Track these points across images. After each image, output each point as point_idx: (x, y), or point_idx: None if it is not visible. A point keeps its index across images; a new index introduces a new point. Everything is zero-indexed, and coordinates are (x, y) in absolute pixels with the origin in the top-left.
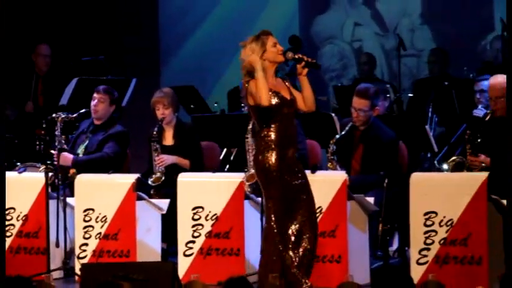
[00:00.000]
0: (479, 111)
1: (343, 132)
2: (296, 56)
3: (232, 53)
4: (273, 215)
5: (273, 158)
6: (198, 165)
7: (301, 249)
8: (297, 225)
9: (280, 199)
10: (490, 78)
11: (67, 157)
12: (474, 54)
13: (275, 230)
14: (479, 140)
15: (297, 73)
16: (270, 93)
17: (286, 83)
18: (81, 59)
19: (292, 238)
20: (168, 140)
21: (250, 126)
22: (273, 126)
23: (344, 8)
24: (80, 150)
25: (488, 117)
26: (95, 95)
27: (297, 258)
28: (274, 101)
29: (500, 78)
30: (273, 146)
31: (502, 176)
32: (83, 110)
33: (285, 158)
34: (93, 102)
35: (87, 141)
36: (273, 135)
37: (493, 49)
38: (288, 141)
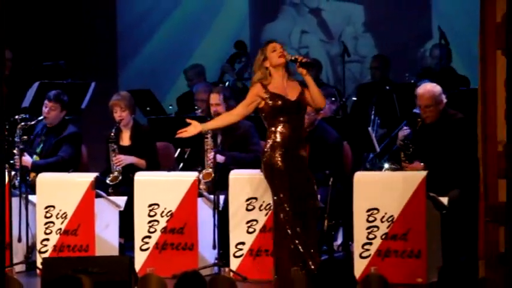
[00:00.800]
0: (417, 110)
1: None
2: (292, 58)
3: (186, 57)
4: (286, 205)
5: (277, 155)
6: (154, 165)
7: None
8: (304, 230)
9: (289, 190)
10: (419, 88)
11: (26, 161)
12: (414, 60)
13: (287, 221)
14: (411, 149)
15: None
16: (267, 95)
17: (300, 85)
18: (42, 63)
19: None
20: (125, 140)
21: None
22: (277, 127)
23: (292, 17)
24: (34, 157)
25: (419, 125)
26: (46, 102)
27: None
28: (274, 103)
29: (428, 87)
30: (278, 146)
31: (439, 176)
32: (41, 117)
33: (293, 158)
34: (45, 109)
35: (41, 144)
36: (278, 136)
37: (433, 56)
38: (296, 141)
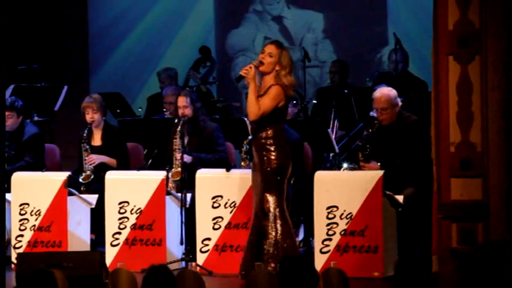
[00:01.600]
0: (373, 113)
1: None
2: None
3: (155, 62)
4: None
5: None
6: (124, 164)
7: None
8: None
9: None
10: (375, 92)
11: None
12: (371, 65)
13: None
14: (369, 150)
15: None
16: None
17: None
18: (17, 67)
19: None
20: (97, 141)
21: (179, 128)
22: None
23: (255, 24)
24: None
25: (375, 127)
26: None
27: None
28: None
29: (384, 91)
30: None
31: (395, 176)
32: None
33: None
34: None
35: (6, 149)
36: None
37: (391, 60)
38: None
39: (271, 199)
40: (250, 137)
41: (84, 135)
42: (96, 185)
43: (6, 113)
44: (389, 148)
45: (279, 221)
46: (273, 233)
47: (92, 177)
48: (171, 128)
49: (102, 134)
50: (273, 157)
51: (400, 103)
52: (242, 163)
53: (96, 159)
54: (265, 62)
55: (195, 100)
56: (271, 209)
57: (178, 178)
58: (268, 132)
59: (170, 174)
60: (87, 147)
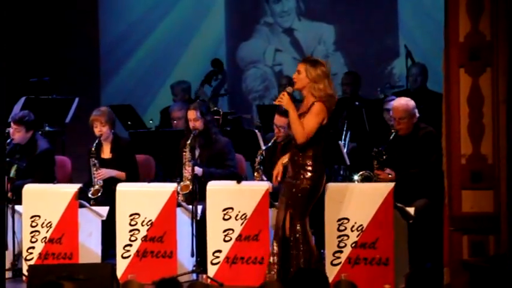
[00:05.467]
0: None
1: (269, 144)
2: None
3: (166, 75)
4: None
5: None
6: (134, 177)
7: None
8: None
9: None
10: (394, 101)
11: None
12: (382, 77)
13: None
14: (384, 157)
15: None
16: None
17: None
18: (28, 79)
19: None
20: (106, 153)
21: (189, 141)
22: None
23: (266, 36)
24: (12, 172)
25: (392, 136)
26: (12, 123)
27: None
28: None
29: (403, 101)
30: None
31: (406, 187)
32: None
33: None
34: (11, 131)
35: (16, 164)
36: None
37: (411, 74)
38: None
39: (295, 218)
40: (264, 148)
41: (93, 149)
42: (106, 196)
43: (14, 127)
44: (404, 158)
45: (302, 246)
46: (300, 259)
47: (101, 192)
48: (184, 138)
49: (111, 147)
50: (308, 176)
51: (417, 114)
52: (255, 174)
53: (105, 173)
54: (296, 80)
55: (205, 113)
56: (294, 230)
57: (187, 191)
58: (309, 152)
59: (179, 187)
60: (96, 162)
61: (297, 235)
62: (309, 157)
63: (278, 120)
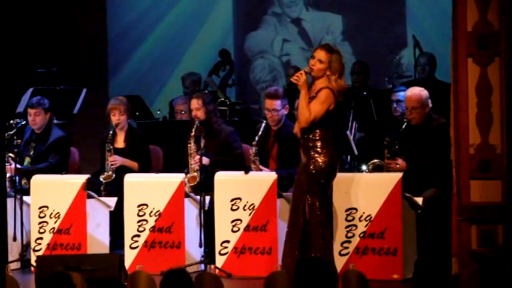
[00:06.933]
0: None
1: (259, 133)
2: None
3: (174, 65)
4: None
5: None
6: (146, 168)
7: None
8: None
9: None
10: (408, 90)
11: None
12: (390, 67)
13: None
14: (396, 146)
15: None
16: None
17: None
18: (36, 70)
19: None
20: (120, 143)
21: (192, 133)
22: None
23: (274, 26)
24: (27, 160)
25: (404, 126)
26: (30, 110)
27: None
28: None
29: (416, 90)
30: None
31: (416, 177)
32: (20, 124)
33: None
34: (30, 118)
35: (32, 151)
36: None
37: (419, 64)
38: None
39: (314, 203)
40: (256, 138)
41: (110, 135)
42: (114, 187)
43: (33, 111)
44: (415, 148)
45: (321, 228)
46: (320, 240)
47: (114, 177)
48: (189, 130)
49: (125, 137)
50: (320, 159)
51: (430, 105)
52: (253, 166)
53: (118, 160)
54: (315, 68)
55: (207, 102)
56: (314, 215)
57: (194, 183)
58: (317, 135)
59: (186, 179)
60: (111, 147)
61: (318, 219)
62: (317, 140)
63: (269, 103)
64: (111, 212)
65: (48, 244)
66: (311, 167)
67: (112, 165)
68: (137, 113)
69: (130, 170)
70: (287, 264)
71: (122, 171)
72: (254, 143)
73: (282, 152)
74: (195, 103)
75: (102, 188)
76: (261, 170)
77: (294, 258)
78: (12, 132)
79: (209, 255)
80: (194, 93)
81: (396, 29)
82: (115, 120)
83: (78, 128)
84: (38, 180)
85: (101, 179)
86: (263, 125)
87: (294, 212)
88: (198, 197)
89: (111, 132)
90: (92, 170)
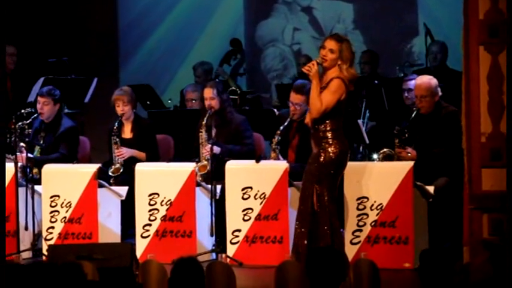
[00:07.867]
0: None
1: (285, 124)
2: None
3: (184, 54)
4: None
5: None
6: (154, 157)
7: None
8: None
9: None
10: (417, 79)
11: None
12: (401, 55)
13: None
14: (406, 135)
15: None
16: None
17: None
18: (47, 60)
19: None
20: (127, 133)
21: (204, 122)
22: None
23: (284, 15)
24: (37, 150)
25: (414, 114)
26: (39, 98)
27: None
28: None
29: (425, 79)
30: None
31: (427, 165)
32: (35, 115)
33: None
34: (38, 106)
35: (41, 141)
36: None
37: (431, 52)
38: None
39: (322, 193)
40: (281, 128)
41: (115, 128)
42: (126, 176)
43: (43, 100)
44: (426, 137)
45: (330, 218)
46: (328, 230)
47: (122, 170)
48: (200, 119)
49: (132, 127)
50: (331, 149)
51: (440, 93)
52: (272, 154)
53: (125, 152)
54: (327, 59)
55: (221, 92)
56: (323, 205)
57: (204, 172)
58: (327, 125)
59: (197, 168)
60: (117, 140)
61: (326, 209)
62: (328, 130)
63: (294, 97)
64: (122, 201)
65: (60, 233)
66: (321, 157)
67: (119, 158)
68: (148, 102)
69: (139, 161)
70: (297, 254)
71: (131, 161)
72: (278, 132)
73: (303, 144)
74: (210, 92)
75: (111, 181)
76: (278, 159)
77: (303, 248)
78: (27, 122)
79: (220, 244)
80: (207, 82)
81: (407, 17)
82: (120, 111)
83: (89, 117)
84: (50, 170)
85: (110, 173)
86: (289, 118)
87: (303, 201)
88: (209, 186)
89: (116, 124)
90: (103, 159)
